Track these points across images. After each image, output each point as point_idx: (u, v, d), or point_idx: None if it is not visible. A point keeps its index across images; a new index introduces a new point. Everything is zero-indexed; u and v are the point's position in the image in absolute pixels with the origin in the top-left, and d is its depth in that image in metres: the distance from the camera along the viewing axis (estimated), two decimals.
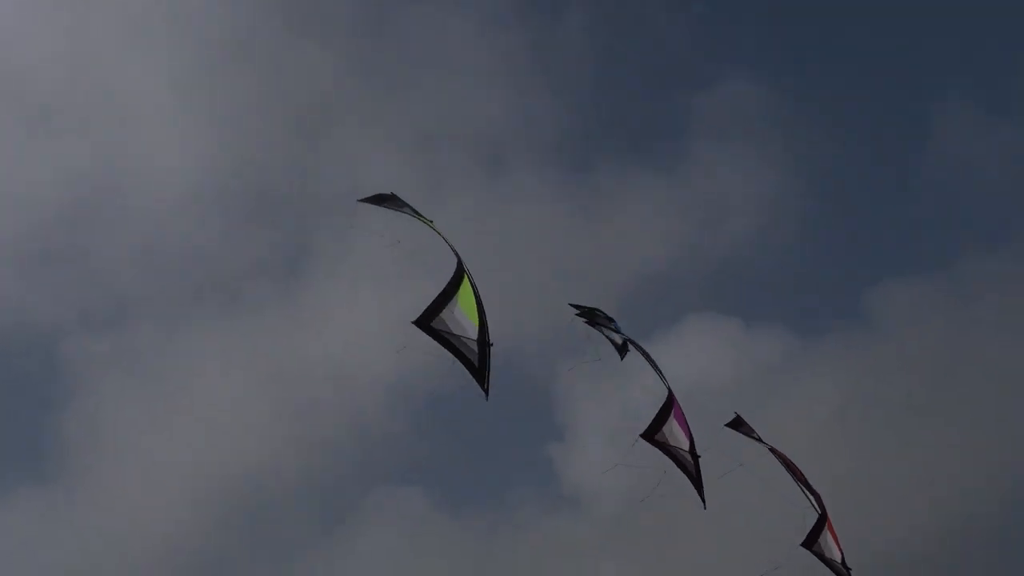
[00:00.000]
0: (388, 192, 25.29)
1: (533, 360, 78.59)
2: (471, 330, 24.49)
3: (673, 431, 27.66)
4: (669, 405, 27.38)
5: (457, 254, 25.26)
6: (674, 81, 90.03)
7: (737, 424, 32.11)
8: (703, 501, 30.08)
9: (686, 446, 27.17)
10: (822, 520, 31.01)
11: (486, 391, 24.25)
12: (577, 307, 30.20)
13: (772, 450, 31.78)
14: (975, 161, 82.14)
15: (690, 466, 29.07)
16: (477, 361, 24.08)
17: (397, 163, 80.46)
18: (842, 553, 31.62)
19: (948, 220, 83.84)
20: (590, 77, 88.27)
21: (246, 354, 75.96)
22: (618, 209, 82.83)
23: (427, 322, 24.00)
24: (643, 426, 30.72)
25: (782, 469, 31.97)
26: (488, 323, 23.69)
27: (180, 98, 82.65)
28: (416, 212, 24.84)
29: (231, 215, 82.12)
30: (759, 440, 32.06)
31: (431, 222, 24.98)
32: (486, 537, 67.18)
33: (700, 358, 71.38)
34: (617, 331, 30.53)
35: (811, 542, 30.71)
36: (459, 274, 23.81)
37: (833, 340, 74.12)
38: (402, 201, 25.96)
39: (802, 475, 32.17)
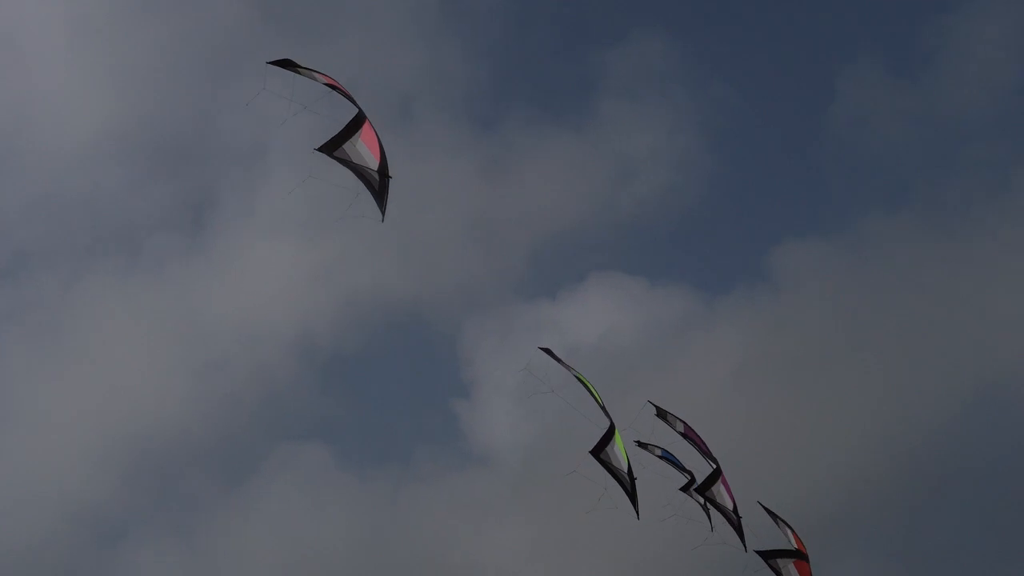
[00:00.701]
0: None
1: (439, 314, 78.70)
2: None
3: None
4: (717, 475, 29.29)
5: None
6: (585, 39, 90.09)
7: (662, 415, 33.53)
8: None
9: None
10: (716, 473, 32.66)
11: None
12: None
13: (686, 433, 33.26)
14: (877, 123, 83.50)
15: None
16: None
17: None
18: (734, 502, 33.18)
19: (851, 181, 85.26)
20: (501, 32, 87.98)
21: (149, 308, 74.93)
22: (527, 165, 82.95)
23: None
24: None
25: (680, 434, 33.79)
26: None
27: (81, 44, 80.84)
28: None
29: (134, 165, 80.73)
30: (678, 427, 33.46)
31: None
32: (391, 494, 67.29)
33: (605, 316, 71.99)
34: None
35: (704, 488, 32.48)
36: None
37: (737, 298, 75.17)
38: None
39: (702, 441, 33.82)
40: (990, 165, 79.02)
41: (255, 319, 73.84)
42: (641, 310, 73.81)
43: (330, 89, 26.44)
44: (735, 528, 33.42)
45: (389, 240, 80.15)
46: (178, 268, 76.91)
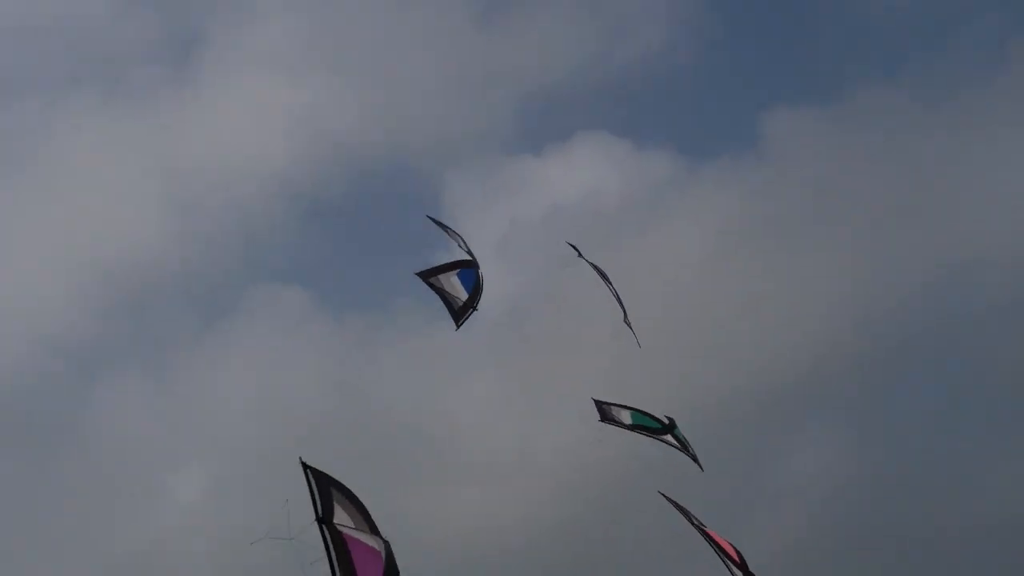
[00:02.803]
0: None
1: (423, 165, 78.19)
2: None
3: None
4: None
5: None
6: None
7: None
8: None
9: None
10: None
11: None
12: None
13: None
14: None
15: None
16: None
17: None
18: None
19: (846, 49, 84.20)
20: None
21: (128, 142, 74.11)
22: (520, 19, 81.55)
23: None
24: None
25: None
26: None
27: None
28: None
29: None
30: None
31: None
32: (368, 342, 67.58)
33: (589, 176, 71.69)
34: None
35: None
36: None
37: (723, 164, 74.91)
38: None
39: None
40: (988, 39, 78.11)
41: (237, 158, 73.21)
42: (626, 172, 73.52)
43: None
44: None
45: (375, 86, 79.23)
46: (160, 102, 75.88)
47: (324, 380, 62.96)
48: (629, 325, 32.81)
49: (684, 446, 32.02)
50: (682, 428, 32.29)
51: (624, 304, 33.08)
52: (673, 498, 27.36)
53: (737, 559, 25.99)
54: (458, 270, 28.04)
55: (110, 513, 55.04)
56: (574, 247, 33.35)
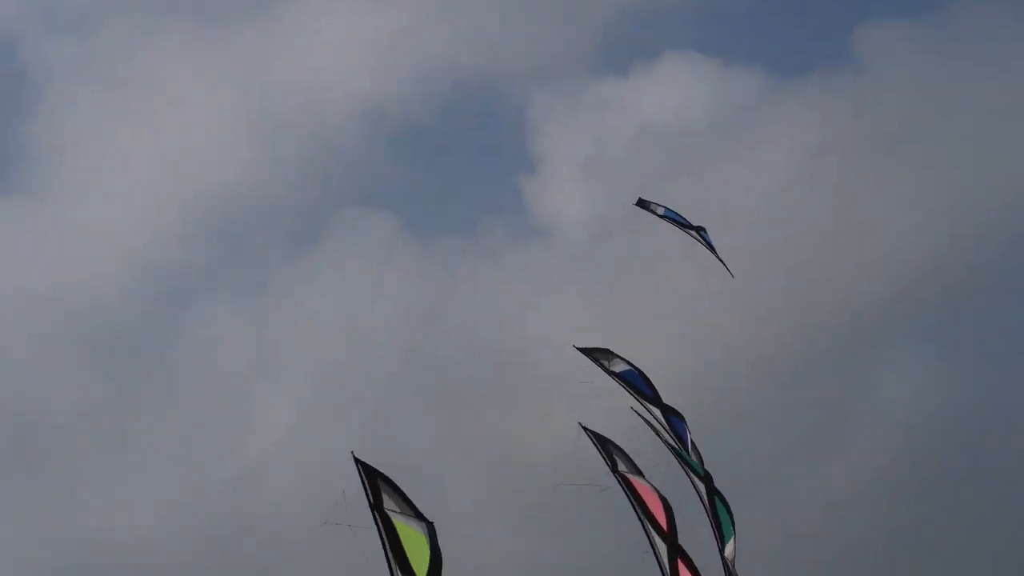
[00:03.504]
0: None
1: (509, 87, 77.51)
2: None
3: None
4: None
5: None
6: None
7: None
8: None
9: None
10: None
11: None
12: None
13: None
14: None
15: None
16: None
17: None
18: None
19: None
20: None
21: (220, 66, 74.35)
22: None
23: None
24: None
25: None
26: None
27: None
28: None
29: None
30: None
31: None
32: (453, 264, 67.59)
33: (676, 97, 70.46)
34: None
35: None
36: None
37: (814, 82, 73.00)
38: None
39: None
40: None
41: (325, 83, 73.18)
42: (714, 91, 72.09)
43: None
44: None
45: (463, 9, 78.45)
46: (249, 28, 75.92)
47: (412, 303, 63.22)
48: (721, 260, 32.47)
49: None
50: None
51: (712, 244, 32.65)
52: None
53: (666, 525, 22.08)
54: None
55: (202, 435, 56.04)
56: (646, 204, 32.64)
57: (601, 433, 23.81)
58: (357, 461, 19.35)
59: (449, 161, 78.43)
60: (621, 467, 21.64)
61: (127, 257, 67.24)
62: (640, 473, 21.94)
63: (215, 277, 69.55)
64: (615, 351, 29.38)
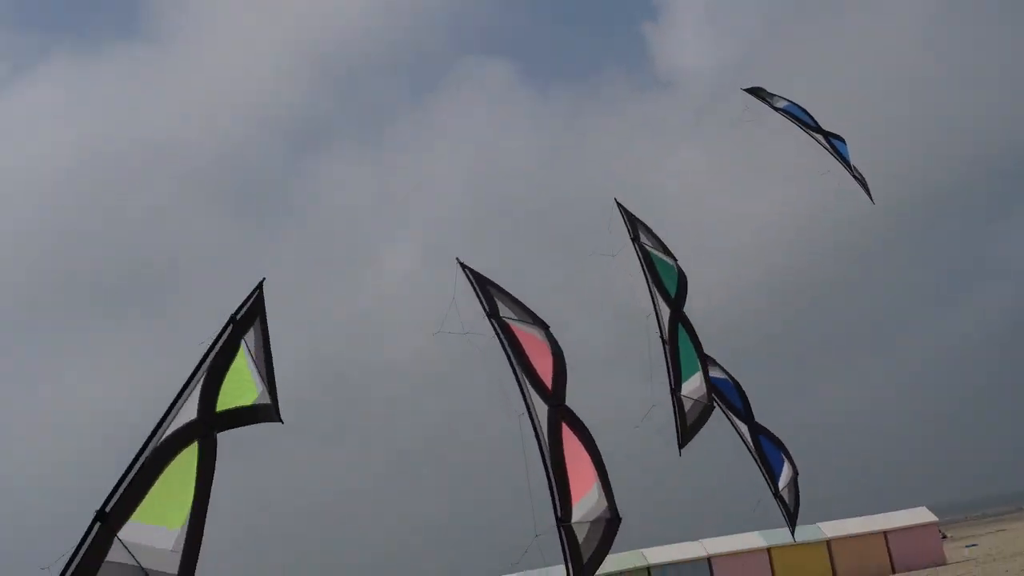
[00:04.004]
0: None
1: None
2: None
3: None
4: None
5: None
6: None
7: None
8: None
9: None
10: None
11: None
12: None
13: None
14: None
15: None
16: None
17: None
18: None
19: None
20: None
21: None
22: None
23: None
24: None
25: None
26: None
27: None
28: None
29: None
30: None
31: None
32: (572, 113, 69.60)
33: None
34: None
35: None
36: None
37: None
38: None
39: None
40: None
41: None
42: None
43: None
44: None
45: None
46: None
47: (530, 151, 65.43)
48: (858, 177, 28.86)
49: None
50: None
51: (848, 158, 28.71)
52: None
53: (551, 384, 18.45)
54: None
55: (325, 281, 58.89)
56: (760, 93, 29.01)
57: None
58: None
59: (570, 8, 79.34)
60: (503, 312, 18.20)
61: (250, 104, 69.67)
62: (530, 321, 18.37)
63: (337, 125, 71.85)
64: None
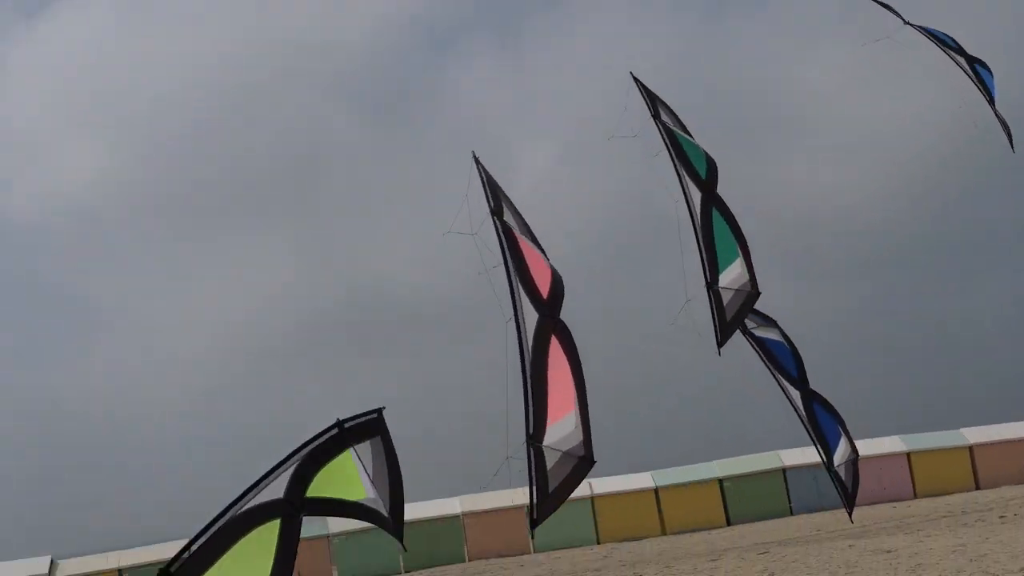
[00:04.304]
0: None
1: None
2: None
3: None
4: None
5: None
6: None
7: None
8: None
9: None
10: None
11: None
12: None
13: None
14: None
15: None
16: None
17: None
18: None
19: None
20: None
21: None
22: None
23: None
24: None
25: None
26: None
27: None
28: None
29: None
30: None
31: None
32: (713, 9, 67.33)
33: None
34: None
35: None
36: None
37: None
38: None
39: None
40: None
41: None
42: None
43: None
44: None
45: None
46: None
47: (671, 49, 63.84)
48: (1000, 118, 27.48)
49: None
50: None
51: (993, 90, 27.28)
52: None
53: (547, 295, 17.41)
54: None
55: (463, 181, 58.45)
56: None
57: None
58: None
59: None
60: (507, 216, 17.06)
61: (388, 6, 68.90)
62: (534, 239, 17.37)
63: (476, 23, 70.68)
64: None
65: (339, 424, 13.02)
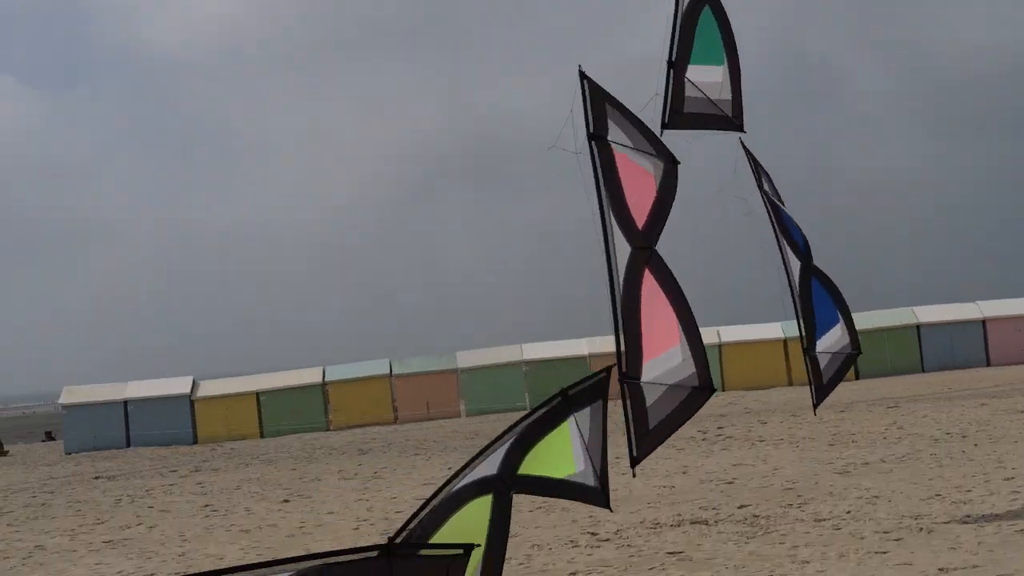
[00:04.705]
0: None
1: None
2: None
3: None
4: None
5: None
6: None
7: None
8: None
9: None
10: None
11: None
12: None
13: None
14: None
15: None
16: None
17: None
18: None
19: None
20: None
21: None
22: None
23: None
24: None
25: None
26: None
27: None
28: None
29: None
30: None
31: None
32: None
33: None
34: None
35: None
36: None
37: None
38: None
39: None
40: None
41: None
42: None
43: None
44: None
45: None
46: None
47: None
48: None
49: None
50: None
51: None
52: None
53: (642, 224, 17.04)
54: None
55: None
56: None
57: None
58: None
59: None
60: (613, 135, 16.51)
61: None
62: (650, 152, 16.72)
63: None
64: None
65: (563, 392, 12.91)
